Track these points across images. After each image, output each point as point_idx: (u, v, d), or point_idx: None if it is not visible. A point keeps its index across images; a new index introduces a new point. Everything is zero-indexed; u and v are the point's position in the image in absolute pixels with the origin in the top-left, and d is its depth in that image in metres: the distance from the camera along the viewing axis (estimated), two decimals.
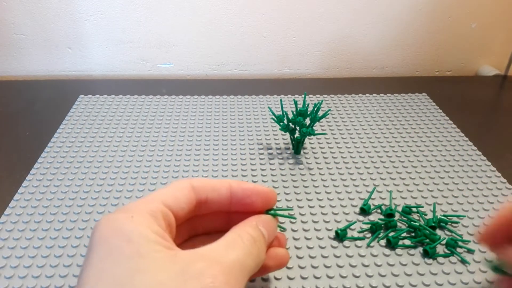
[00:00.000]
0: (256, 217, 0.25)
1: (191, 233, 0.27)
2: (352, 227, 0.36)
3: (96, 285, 0.18)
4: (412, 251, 0.34)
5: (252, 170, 0.43)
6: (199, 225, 0.27)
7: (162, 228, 0.21)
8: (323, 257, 0.33)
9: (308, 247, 0.34)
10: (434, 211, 0.37)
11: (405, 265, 0.32)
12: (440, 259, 0.33)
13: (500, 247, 0.27)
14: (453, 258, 0.33)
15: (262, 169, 0.43)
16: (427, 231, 0.34)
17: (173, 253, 0.20)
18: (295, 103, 0.44)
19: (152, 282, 0.18)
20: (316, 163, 0.44)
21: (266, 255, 0.25)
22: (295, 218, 0.36)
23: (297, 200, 0.39)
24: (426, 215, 0.37)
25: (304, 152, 0.46)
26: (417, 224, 0.35)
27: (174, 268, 0.19)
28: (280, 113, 0.44)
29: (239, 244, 0.22)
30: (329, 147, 0.47)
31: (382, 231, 0.35)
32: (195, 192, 0.24)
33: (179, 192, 0.24)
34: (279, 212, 0.27)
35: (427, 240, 0.34)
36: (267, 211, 0.27)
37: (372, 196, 0.39)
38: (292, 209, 0.37)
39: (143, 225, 0.20)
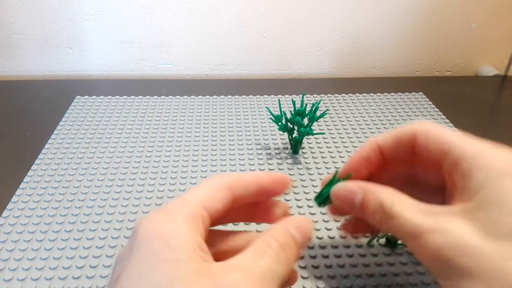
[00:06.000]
0: (287, 221, 0.24)
1: (212, 224, 0.26)
2: None
3: (133, 287, 0.18)
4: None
5: (250, 170, 0.43)
6: (222, 217, 0.26)
7: (200, 234, 0.21)
8: (324, 256, 0.33)
9: (309, 247, 0.34)
10: None
11: (405, 264, 0.32)
12: None
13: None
14: None
15: (260, 169, 0.43)
16: None
17: (207, 264, 0.20)
18: (293, 103, 0.44)
19: None
20: (315, 162, 0.44)
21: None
22: None
23: (296, 200, 0.39)
24: None
25: (302, 152, 0.46)
26: None
27: (206, 280, 0.19)
28: (279, 113, 0.44)
29: (267, 252, 0.21)
30: (327, 147, 0.47)
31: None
32: (231, 192, 0.24)
33: (216, 193, 0.23)
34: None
35: None
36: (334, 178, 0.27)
37: None
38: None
39: (184, 230, 0.20)
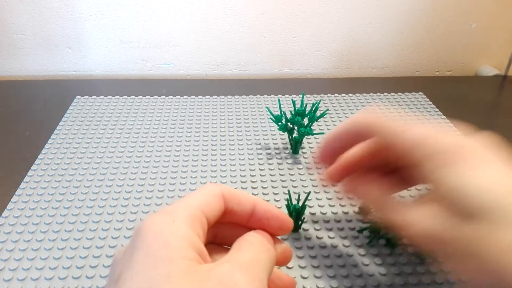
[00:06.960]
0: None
1: (210, 239, 0.27)
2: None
3: (131, 286, 0.19)
4: (411, 250, 0.33)
5: (250, 170, 0.43)
6: (218, 232, 0.27)
7: (198, 235, 0.22)
8: (324, 257, 0.33)
9: (309, 247, 0.34)
10: None
11: (405, 264, 0.32)
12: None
13: (348, 186, 0.32)
14: None
15: (260, 169, 0.43)
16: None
17: (199, 264, 0.21)
18: (293, 103, 0.44)
19: None
20: (315, 162, 0.44)
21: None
22: None
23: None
24: None
25: (302, 152, 0.46)
26: None
27: (195, 278, 0.19)
28: (279, 113, 0.44)
29: (246, 245, 0.23)
30: None
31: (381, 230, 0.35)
32: (225, 201, 0.25)
33: (213, 199, 0.24)
34: None
35: None
36: None
37: None
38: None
39: (182, 230, 0.21)
